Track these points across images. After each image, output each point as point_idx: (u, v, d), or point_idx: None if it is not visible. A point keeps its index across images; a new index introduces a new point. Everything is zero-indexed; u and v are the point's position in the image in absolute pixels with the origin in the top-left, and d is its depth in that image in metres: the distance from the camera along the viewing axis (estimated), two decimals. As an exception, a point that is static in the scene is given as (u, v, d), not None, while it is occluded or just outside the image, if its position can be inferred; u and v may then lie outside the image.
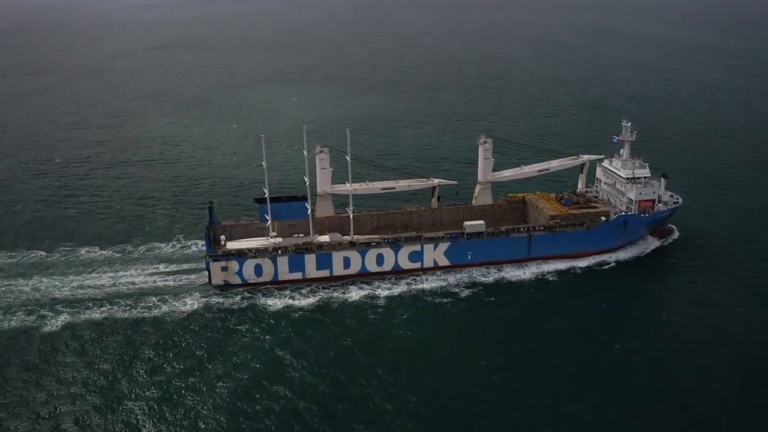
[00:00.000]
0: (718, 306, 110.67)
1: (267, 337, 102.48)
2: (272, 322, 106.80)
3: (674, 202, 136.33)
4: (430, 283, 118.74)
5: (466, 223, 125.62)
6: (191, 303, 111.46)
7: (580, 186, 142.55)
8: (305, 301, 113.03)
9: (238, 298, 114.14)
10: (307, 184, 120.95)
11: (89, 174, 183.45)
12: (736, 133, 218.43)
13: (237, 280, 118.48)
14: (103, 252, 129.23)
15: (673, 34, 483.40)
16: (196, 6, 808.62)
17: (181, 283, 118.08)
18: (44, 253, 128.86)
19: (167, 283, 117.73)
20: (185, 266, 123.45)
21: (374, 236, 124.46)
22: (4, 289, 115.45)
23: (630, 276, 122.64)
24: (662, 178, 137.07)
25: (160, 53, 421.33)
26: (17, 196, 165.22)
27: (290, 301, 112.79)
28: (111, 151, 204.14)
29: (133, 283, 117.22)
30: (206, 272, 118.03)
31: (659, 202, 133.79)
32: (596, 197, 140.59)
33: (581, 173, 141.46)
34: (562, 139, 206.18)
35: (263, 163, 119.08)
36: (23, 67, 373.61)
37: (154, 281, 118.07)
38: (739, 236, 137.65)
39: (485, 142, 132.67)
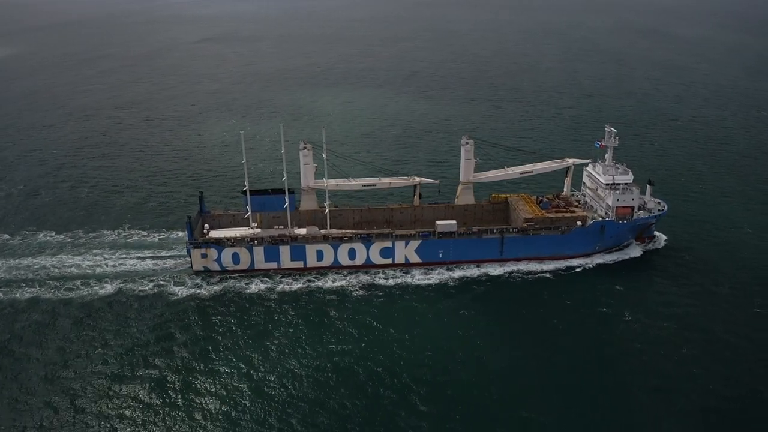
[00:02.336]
0: (675, 318, 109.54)
1: (232, 320, 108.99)
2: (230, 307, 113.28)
3: (659, 210, 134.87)
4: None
5: (438, 222, 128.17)
6: (164, 286, 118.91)
7: (565, 190, 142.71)
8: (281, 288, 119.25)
9: (215, 282, 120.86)
10: (284, 178, 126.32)
11: (91, 161, 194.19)
12: (739, 141, 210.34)
13: (216, 267, 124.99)
14: (93, 236, 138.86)
15: (722, 37, 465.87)
16: (255, 1, 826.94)
17: (165, 267, 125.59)
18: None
19: (149, 266, 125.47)
20: (172, 252, 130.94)
21: (347, 231, 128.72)
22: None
23: (594, 282, 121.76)
24: (648, 185, 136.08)
25: (202, 47, 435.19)
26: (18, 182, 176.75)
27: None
28: (120, 141, 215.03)
29: (108, 267, 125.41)
30: (189, 258, 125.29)
31: (642, 209, 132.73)
32: (579, 201, 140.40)
33: (567, 176, 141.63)
34: (557, 142, 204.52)
35: (243, 159, 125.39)
36: (69, 59, 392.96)
37: (138, 265, 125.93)
38: (728, 247, 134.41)
39: (467, 143, 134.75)
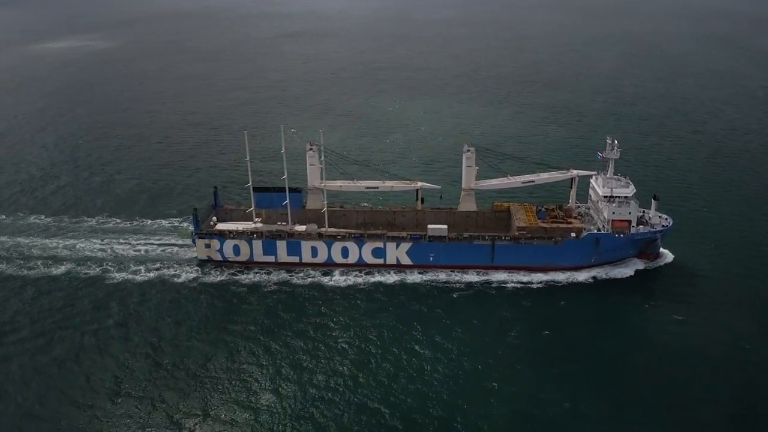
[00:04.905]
0: (661, 340, 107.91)
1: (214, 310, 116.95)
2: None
3: (663, 225, 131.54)
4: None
5: (429, 225, 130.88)
6: (167, 271, 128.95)
7: (570, 201, 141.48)
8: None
9: (216, 273, 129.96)
10: (284, 177, 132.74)
11: (115, 151, 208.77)
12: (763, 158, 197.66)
13: (218, 257, 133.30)
14: (116, 221, 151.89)
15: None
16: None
17: (172, 254, 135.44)
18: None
19: (158, 252, 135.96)
20: (180, 240, 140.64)
21: (341, 230, 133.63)
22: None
23: (580, 297, 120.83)
24: (653, 200, 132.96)
25: (268, 44, 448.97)
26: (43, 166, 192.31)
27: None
28: (151, 134, 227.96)
29: (122, 251, 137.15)
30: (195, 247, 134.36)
31: (644, 223, 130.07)
32: (580, 213, 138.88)
33: (572, 188, 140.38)
34: (573, 152, 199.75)
35: (247, 157, 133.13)
36: (138, 54, 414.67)
37: (148, 250, 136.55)
38: (736, 271, 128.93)
39: (468, 151, 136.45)
